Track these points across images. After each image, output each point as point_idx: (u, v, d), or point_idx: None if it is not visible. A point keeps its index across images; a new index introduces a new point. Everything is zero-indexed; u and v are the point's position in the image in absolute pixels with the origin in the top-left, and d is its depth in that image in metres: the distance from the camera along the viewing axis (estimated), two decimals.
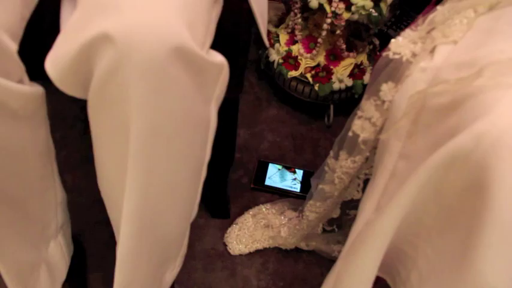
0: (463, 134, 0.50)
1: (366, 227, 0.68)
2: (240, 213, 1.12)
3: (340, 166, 0.82)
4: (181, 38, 0.50)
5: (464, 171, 0.51)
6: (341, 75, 1.22)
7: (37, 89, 0.60)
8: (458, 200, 0.54)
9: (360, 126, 0.76)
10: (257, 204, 1.13)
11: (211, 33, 0.59)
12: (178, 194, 0.66)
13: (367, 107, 0.74)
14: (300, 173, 1.20)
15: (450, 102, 0.57)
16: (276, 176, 1.19)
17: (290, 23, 1.25)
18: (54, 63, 0.52)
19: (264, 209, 1.12)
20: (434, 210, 0.59)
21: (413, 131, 0.63)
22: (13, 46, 0.55)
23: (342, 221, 1.01)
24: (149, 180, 0.59)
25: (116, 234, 0.75)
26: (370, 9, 1.09)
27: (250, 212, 1.11)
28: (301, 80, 1.25)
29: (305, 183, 1.17)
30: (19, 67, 0.57)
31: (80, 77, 0.53)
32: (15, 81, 0.56)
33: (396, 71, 0.70)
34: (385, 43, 0.74)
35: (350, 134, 0.78)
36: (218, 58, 0.57)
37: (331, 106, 1.30)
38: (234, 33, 0.64)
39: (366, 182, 0.86)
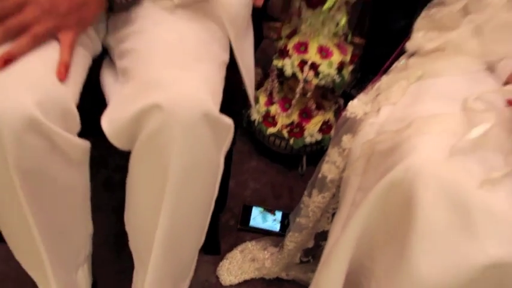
0: (396, 169, 0.72)
1: (333, 245, 0.88)
2: (229, 249, 1.31)
3: (313, 202, 1.02)
4: (208, 106, 0.71)
5: (399, 195, 0.73)
6: (312, 130, 1.44)
7: (86, 143, 0.79)
8: (397, 216, 0.75)
9: (328, 169, 0.97)
10: (244, 242, 1.32)
11: (221, 98, 0.81)
12: (195, 223, 0.86)
13: (333, 154, 0.96)
14: (279, 214, 1.39)
15: (390, 147, 0.79)
16: (259, 218, 1.38)
17: (268, 86, 1.48)
18: (110, 123, 0.73)
19: (250, 246, 1.30)
20: (383, 226, 0.79)
21: (366, 169, 0.85)
22: (75, 110, 0.75)
23: (316, 251, 1.20)
24: (178, 212, 0.79)
25: (136, 261, 0.93)
26: (334, 76, 1.33)
27: (239, 248, 1.30)
28: (278, 135, 1.47)
29: (283, 223, 1.37)
30: (77, 125, 0.77)
31: (129, 134, 0.73)
32: (73, 135, 0.76)
33: (353, 126, 0.92)
34: (349, 102, 0.96)
35: (320, 175, 0.99)
36: (228, 120, 0.77)
37: (304, 157, 1.52)
38: (230, 99, 0.85)
39: (334, 216, 1.06)
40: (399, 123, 0.80)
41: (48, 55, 0.72)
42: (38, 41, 0.71)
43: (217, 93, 0.76)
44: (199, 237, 0.91)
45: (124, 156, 1.30)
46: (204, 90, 0.72)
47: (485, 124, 0.71)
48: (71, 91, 0.74)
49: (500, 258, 0.65)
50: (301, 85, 1.35)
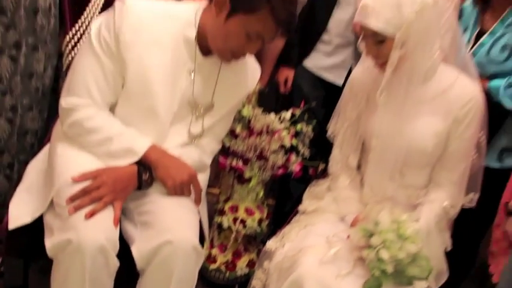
0: (292, 275, 1.36)
1: None
2: None
3: None
4: (196, 242, 1.32)
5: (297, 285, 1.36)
6: (242, 266, 2.05)
7: (117, 261, 1.35)
8: None
9: (256, 283, 1.58)
10: None
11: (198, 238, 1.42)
12: None
13: (258, 273, 1.58)
14: None
15: (289, 265, 1.43)
16: None
17: (210, 235, 2.11)
18: (138, 253, 1.32)
19: None
20: None
21: (278, 278, 1.48)
22: (118, 242, 1.33)
23: None
24: None
25: None
26: (256, 228, 2.00)
27: None
28: (218, 270, 2.06)
29: None
30: (117, 250, 1.34)
31: (148, 258, 1.31)
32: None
33: (269, 255, 1.57)
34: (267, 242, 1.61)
35: (252, 287, 1.60)
36: (202, 250, 1.38)
37: (236, 286, 2.10)
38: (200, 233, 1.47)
39: None
40: (294, 252, 1.46)
41: (109, 212, 1.33)
42: (106, 205, 1.32)
43: (198, 235, 1.39)
44: None
45: None
46: (194, 233, 1.35)
47: (337, 247, 1.39)
48: (117, 231, 1.34)
49: None
50: (234, 234, 2.00)
